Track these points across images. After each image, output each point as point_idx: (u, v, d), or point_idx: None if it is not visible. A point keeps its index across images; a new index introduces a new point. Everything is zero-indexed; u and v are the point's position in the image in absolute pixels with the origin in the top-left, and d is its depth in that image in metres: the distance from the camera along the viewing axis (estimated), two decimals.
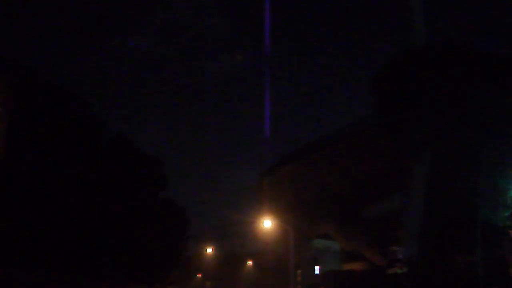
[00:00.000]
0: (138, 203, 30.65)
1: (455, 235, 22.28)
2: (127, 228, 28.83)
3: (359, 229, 35.79)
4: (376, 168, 31.54)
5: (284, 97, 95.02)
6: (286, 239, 36.78)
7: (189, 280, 58.76)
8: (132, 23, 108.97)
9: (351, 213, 35.90)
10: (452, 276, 22.54)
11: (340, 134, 35.54)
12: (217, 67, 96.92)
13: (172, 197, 38.10)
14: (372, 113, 28.38)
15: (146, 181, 32.15)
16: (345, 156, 34.04)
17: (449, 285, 22.27)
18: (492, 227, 21.17)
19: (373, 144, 30.58)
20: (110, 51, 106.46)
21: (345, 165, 34.20)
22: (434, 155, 23.61)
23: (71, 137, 25.73)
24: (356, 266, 37.85)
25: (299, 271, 39.82)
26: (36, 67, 26.46)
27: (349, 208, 35.82)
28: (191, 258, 56.47)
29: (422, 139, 23.22)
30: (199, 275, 63.78)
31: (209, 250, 61.04)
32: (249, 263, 59.39)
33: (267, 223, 36.20)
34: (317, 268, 43.02)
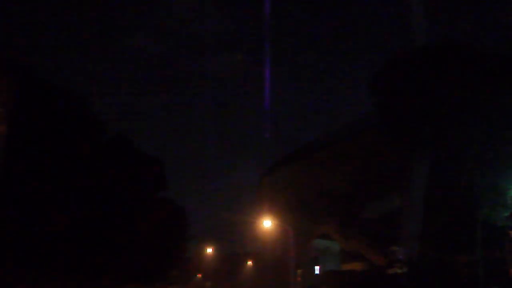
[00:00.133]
0: (138, 203, 30.62)
1: (455, 235, 22.29)
2: (126, 228, 28.81)
3: (359, 229, 35.83)
4: (376, 168, 31.56)
5: (284, 97, 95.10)
6: (286, 239, 36.83)
7: (189, 280, 58.73)
8: (132, 23, 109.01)
9: (351, 213, 35.93)
10: (452, 276, 22.56)
11: (340, 134, 35.53)
12: (217, 67, 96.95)
13: (172, 197, 38.08)
14: (372, 113, 28.39)
15: (146, 181, 32.12)
16: (345, 156, 34.03)
17: (449, 285, 22.29)
18: (492, 227, 21.17)
19: (373, 144, 30.58)
20: (110, 51, 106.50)
21: (345, 165, 34.19)
22: (434, 155, 23.61)
23: (71, 137, 25.72)
24: (356, 266, 37.88)
25: (299, 271, 39.84)
26: (36, 67, 26.47)
27: (349, 208, 35.84)
28: (191, 258, 56.47)
29: (422, 139, 23.22)
30: (199, 275, 63.78)
31: (209, 250, 61.05)
32: (249, 263, 59.41)
33: (267, 223, 36.23)
34: (317, 268, 43.07)
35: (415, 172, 26.14)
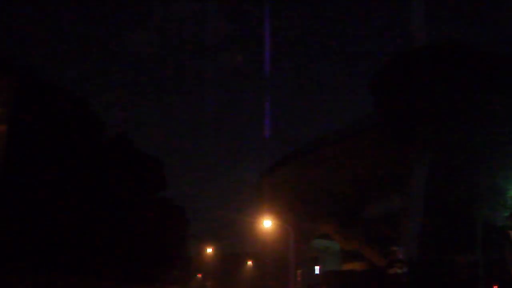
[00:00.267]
0: (138, 203, 30.64)
1: (455, 235, 22.30)
2: (127, 228, 28.82)
3: (359, 229, 35.82)
4: (376, 168, 31.55)
5: (284, 97, 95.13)
6: (286, 239, 36.81)
7: (189, 280, 58.71)
8: (132, 22, 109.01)
9: (351, 213, 35.91)
10: (452, 276, 22.56)
11: (340, 134, 35.53)
12: (217, 67, 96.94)
13: (172, 197, 38.12)
14: (372, 113, 28.40)
15: (146, 181, 32.14)
16: (345, 156, 34.03)
17: (449, 285, 22.29)
18: (492, 227, 21.19)
19: (373, 144, 30.58)
20: (110, 51, 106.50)
21: (345, 165, 34.18)
22: (434, 155, 23.62)
23: (71, 137, 25.72)
24: (356, 266, 37.89)
25: (299, 271, 39.84)
26: (36, 67, 26.46)
27: (349, 208, 35.83)
28: (191, 258, 56.47)
29: (422, 139, 23.23)
30: (199, 275, 63.75)
31: (209, 250, 61.05)
32: (249, 263, 59.40)
33: (267, 223, 36.21)
34: (317, 268, 43.07)
35: (415, 172, 26.15)
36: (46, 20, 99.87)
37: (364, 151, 32.14)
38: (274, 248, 43.13)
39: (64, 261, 24.21)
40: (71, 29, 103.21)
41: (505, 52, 23.11)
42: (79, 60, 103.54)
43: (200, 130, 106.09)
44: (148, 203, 32.29)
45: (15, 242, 21.91)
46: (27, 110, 23.33)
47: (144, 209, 31.23)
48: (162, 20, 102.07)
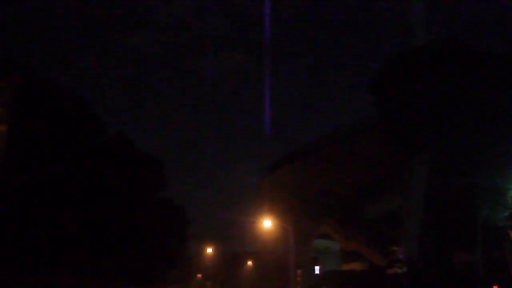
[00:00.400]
0: (138, 203, 30.64)
1: (455, 235, 22.29)
2: (126, 228, 28.83)
3: (359, 229, 35.80)
4: (376, 168, 31.55)
5: (284, 97, 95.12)
6: (286, 239, 36.81)
7: (189, 280, 58.74)
8: (132, 22, 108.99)
9: (351, 213, 35.90)
10: (452, 276, 22.55)
11: (340, 134, 35.53)
12: (217, 67, 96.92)
13: (172, 197, 38.12)
14: (372, 113, 28.39)
15: (146, 181, 32.14)
16: (345, 156, 34.04)
17: (449, 285, 22.27)
18: (492, 227, 21.17)
19: (373, 144, 30.58)
20: (110, 50, 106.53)
21: (345, 165, 34.19)
22: (434, 155, 23.61)
23: (71, 136, 25.73)
24: (356, 266, 37.90)
25: (299, 271, 39.84)
26: (36, 67, 26.47)
27: (349, 208, 35.83)
28: (191, 258, 56.49)
29: (422, 139, 23.23)
30: (199, 275, 63.78)
31: (209, 250, 61.08)
32: (249, 263, 59.42)
33: (267, 223, 36.23)
34: (317, 268, 43.07)
35: (415, 172, 26.13)
36: (46, 20, 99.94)
37: (364, 151, 32.14)
38: (274, 248, 43.14)
39: (64, 261, 24.22)
40: (71, 29, 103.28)
41: (505, 52, 23.11)
42: (79, 60, 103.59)
43: (200, 130, 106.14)
44: (148, 203, 32.30)
45: (15, 242, 21.91)
46: (27, 110, 23.34)
47: (144, 209, 31.23)
48: (162, 20, 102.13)
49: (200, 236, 56.25)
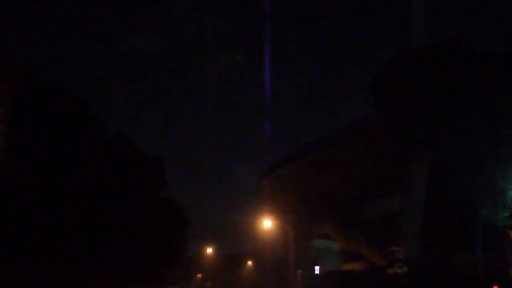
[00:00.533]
0: (138, 203, 30.63)
1: (455, 235, 22.28)
2: (126, 228, 28.82)
3: (359, 229, 35.84)
4: (376, 168, 31.57)
5: (284, 97, 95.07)
6: (286, 239, 36.87)
7: (189, 280, 58.76)
8: (131, 22, 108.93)
9: (351, 213, 35.94)
10: (452, 276, 22.55)
11: (340, 134, 35.55)
12: (217, 67, 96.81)
13: (172, 197, 38.10)
14: (372, 113, 28.38)
15: (146, 181, 32.12)
16: (345, 156, 34.06)
17: (449, 285, 22.27)
18: (492, 227, 21.15)
19: (373, 144, 30.60)
20: (110, 51, 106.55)
21: (345, 165, 34.21)
22: (434, 155, 23.61)
23: (71, 137, 25.71)
24: (356, 266, 37.92)
25: (299, 271, 39.86)
26: (36, 67, 26.42)
27: (349, 208, 35.85)
28: (191, 258, 56.46)
29: (422, 139, 23.22)
30: (199, 275, 63.79)
31: (209, 250, 61.08)
32: (249, 263, 59.43)
33: (267, 223, 36.27)
34: (317, 268, 43.06)
35: (415, 172, 26.15)
36: (46, 20, 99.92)
37: (364, 151, 32.15)
38: (274, 248, 43.18)
39: (64, 261, 24.22)
40: (71, 29, 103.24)
41: (505, 52, 23.09)
42: (80, 60, 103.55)
43: (200, 130, 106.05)
44: (148, 203, 32.28)
45: (15, 242, 21.91)
46: (27, 110, 23.33)
47: (144, 209, 31.22)
48: (162, 19, 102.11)
49: (200, 236, 56.26)
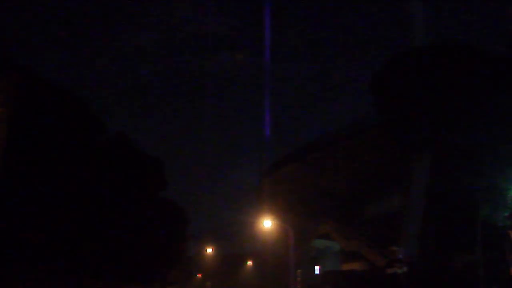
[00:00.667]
0: (138, 203, 30.65)
1: (455, 235, 22.28)
2: (126, 228, 28.84)
3: (359, 229, 35.80)
4: (376, 168, 31.56)
5: (284, 97, 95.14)
6: (286, 239, 36.81)
7: (189, 280, 58.75)
8: (131, 22, 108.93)
9: (351, 213, 35.92)
10: (452, 276, 22.55)
11: (340, 134, 35.56)
12: (217, 67, 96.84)
13: (172, 197, 38.14)
14: (372, 113, 28.40)
15: (146, 181, 32.15)
16: (345, 156, 34.07)
17: (449, 285, 22.27)
18: (492, 227, 21.15)
19: (373, 144, 30.60)
20: (110, 50, 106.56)
21: (345, 165, 34.22)
22: (434, 155, 23.62)
23: (71, 137, 25.72)
24: (356, 266, 37.83)
25: (299, 271, 39.83)
26: (36, 67, 26.43)
27: (349, 208, 35.84)
28: (191, 258, 56.47)
29: (422, 139, 23.23)
30: (199, 275, 63.79)
31: (209, 250, 61.07)
32: (249, 263, 59.42)
33: (267, 223, 36.21)
34: (317, 268, 43.01)
35: (416, 172, 26.13)
36: (46, 20, 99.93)
37: (364, 151, 32.16)
38: (274, 248, 43.15)
39: (64, 261, 24.23)
40: (70, 29, 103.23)
41: (505, 52, 23.10)
42: (79, 60, 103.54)
43: (200, 130, 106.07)
44: (148, 203, 32.30)
45: (15, 242, 21.91)
46: (27, 110, 23.33)
47: (144, 209, 31.24)
48: (162, 19, 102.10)
49: (200, 236, 56.28)
